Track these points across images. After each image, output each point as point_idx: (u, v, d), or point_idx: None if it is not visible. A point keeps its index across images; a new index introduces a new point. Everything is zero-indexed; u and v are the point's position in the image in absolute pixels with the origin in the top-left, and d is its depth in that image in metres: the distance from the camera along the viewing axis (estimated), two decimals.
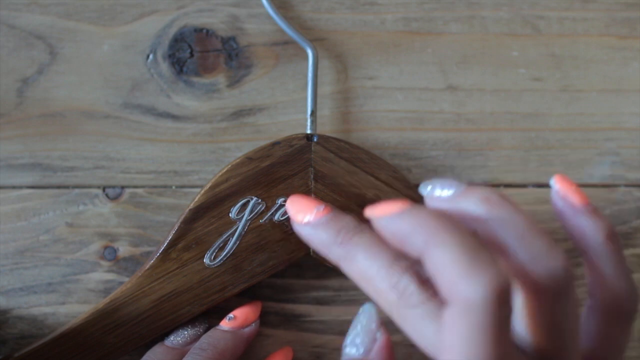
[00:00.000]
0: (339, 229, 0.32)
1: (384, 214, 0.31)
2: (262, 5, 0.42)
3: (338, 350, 0.44)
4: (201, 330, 0.41)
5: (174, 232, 0.39)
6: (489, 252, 0.29)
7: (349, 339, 0.36)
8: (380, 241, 0.31)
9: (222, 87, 0.44)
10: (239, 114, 0.44)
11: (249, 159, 0.40)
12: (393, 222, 0.31)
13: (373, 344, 0.35)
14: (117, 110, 0.43)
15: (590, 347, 0.35)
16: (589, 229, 0.35)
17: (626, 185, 0.45)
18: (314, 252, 0.40)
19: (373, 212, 0.32)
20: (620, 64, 0.45)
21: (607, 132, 0.45)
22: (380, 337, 0.35)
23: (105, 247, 0.43)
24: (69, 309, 0.43)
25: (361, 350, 0.35)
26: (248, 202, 0.39)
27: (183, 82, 0.43)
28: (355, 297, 0.44)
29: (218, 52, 0.44)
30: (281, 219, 0.40)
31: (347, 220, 0.33)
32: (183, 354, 0.40)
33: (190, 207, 0.39)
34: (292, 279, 0.43)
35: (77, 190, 0.43)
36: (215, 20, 0.44)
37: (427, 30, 0.44)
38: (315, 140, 0.40)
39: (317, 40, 0.44)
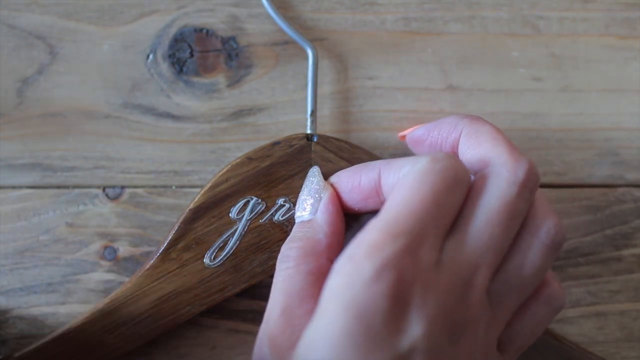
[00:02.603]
0: None
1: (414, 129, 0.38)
2: (262, 5, 0.42)
3: None
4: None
5: (174, 232, 0.39)
6: None
7: (298, 204, 0.37)
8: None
9: (222, 87, 0.44)
10: (239, 114, 0.44)
11: (249, 159, 0.40)
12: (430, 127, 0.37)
13: (319, 204, 0.36)
14: (117, 110, 0.43)
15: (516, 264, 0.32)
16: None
17: (626, 186, 0.45)
18: None
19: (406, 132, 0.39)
20: (620, 64, 0.45)
21: (607, 132, 0.45)
22: (325, 193, 0.36)
23: (105, 247, 0.43)
24: (69, 309, 0.43)
25: (309, 211, 0.36)
26: (248, 202, 0.39)
27: (183, 82, 0.43)
28: None
29: (218, 52, 0.44)
30: (281, 219, 0.40)
31: None
32: None
33: (190, 207, 0.39)
34: None
35: (77, 190, 0.43)
36: (215, 20, 0.44)
37: (427, 30, 0.44)
38: (315, 140, 0.40)
39: (317, 40, 0.44)
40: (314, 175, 0.38)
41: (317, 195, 0.37)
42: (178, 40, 0.43)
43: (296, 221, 0.37)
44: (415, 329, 0.28)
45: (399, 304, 0.28)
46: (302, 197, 0.37)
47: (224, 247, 0.39)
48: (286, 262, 0.35)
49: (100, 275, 0.43)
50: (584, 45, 0.45)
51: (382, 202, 0.35)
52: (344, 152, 0.40)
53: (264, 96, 0.44)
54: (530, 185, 0.32)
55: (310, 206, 0.36)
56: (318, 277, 0.34)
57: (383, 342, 0.28)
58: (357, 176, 0.36)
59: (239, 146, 0.44)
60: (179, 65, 0.43)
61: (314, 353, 0.28)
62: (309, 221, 0.36)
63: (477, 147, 0.34)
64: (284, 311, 0.33)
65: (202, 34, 0.44)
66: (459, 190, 0.31)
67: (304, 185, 0.38)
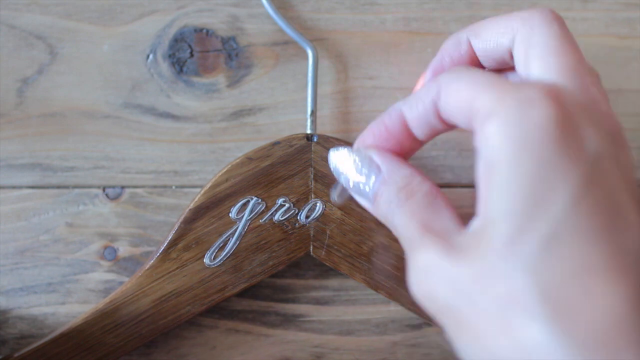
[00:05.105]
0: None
1: None
2: (262, 5, 0.42)
3: (338, 350, 0.44)
4: None
5: (174, 232, 0.39)
6: None
7: (354, 188, 0.33)
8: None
9: (222, 87, 0.44)
10: (239, 114, 0.44)
11: (249, 159, 0.40)
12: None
13: (373, 163, 0.33)
14: (117, 110, 0.43)
15: None
16: None
17: None
18: (314, 252, 0.40)
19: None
20: (620, 64, 0.45)
21: None
22: (368, 151, 0.33)
23: (105, 247, 0.43)
24: (69, 309, 0.43)
25: (373, 176, 0.33)
26: (248, 202, 0.39)
27: (183, 82, 0.43)
28: (355, 297, 0.44)
29: (218, 52, 0.44)
30: (281, 219, 0.40)
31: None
32: None
33: (190, 207, 0.39)
34: (292, 279, 0.43)
35: (77, 190, 0.43)
36: (215, 20, 0.44)
37: (427, 30, 0.44)
38: (315, 140, 0.40)
39: (317, 40, 0.44)
40: (340, 155, 0.34)
41: (364, 160, 0.33)
42: (178, 40, 0.43)
43: (364, 201, 0.33)
44: (592, 140, 0.28)
45: (568, 124, 0.28)
46: (354, 173, 0.33)
47: (224, 247, 0.39)
48: (398, 199, 0.32)
49: (100, 275, 0.43)
50: (584, 45, 0.45)
51: (416, 141, 0.33)
52: None
53: (264, 96, 0.44)
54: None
55: (369, 170, 0.33)
56: (435, 194, 0.32)
57: (569, 158, 0.27)
58: (380, 121, 0.33)
59: (239, 146, 0.44)
60: (179, 65, 0.43)
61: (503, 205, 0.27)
62: (383, 177, 0.32)
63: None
64: (424, 228, 0.30)
65: (202, 34, 0.44)
66: None
67: (339, 173, 0.34)
